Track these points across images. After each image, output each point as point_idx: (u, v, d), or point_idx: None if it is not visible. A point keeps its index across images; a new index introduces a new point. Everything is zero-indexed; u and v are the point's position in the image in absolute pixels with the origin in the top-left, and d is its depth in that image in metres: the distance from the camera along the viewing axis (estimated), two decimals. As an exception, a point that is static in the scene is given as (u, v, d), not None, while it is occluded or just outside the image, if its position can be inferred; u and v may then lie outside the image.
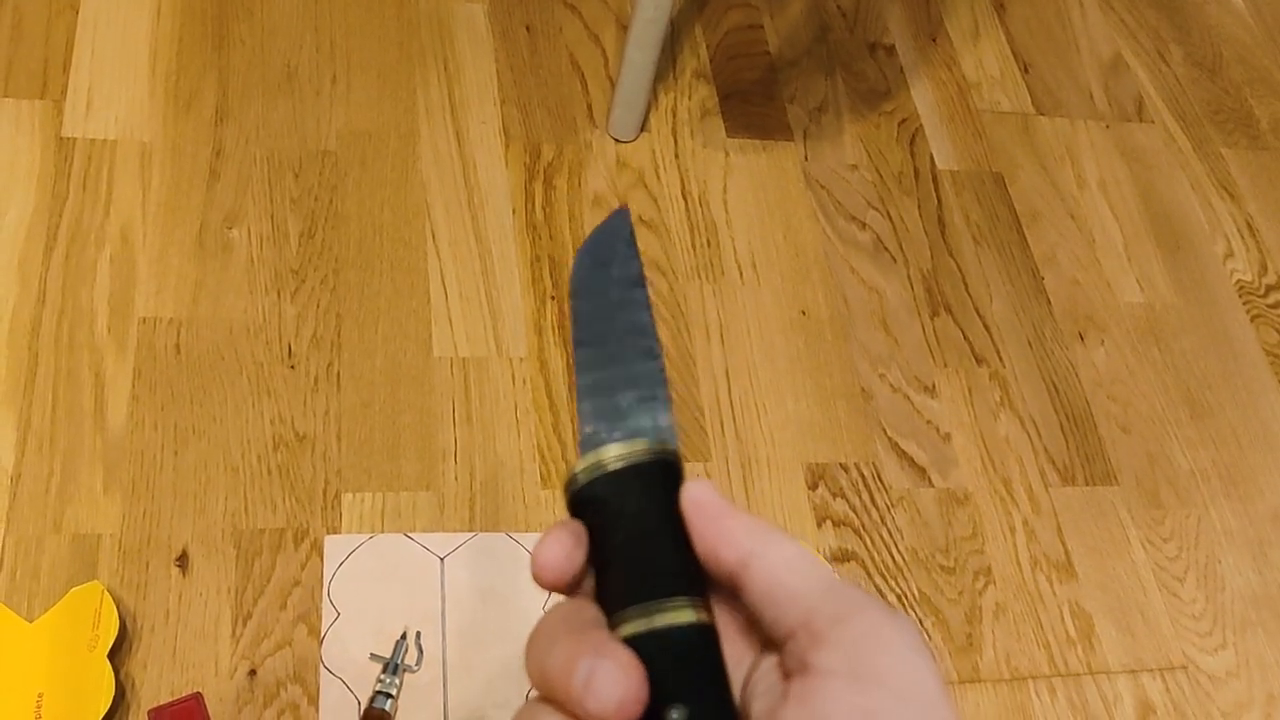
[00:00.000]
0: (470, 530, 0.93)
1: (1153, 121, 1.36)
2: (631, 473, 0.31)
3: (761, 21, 1.32)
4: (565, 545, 0.30)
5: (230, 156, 1.08)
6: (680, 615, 0.29)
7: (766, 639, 0.30)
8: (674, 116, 1.21)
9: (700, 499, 0.31)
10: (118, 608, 0.83)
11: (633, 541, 0.30)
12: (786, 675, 0.28)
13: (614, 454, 0.31)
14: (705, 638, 0.29)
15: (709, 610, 0.30)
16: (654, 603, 0.29)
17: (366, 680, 0.84)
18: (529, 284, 1.07)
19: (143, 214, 1.03)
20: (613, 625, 0.29)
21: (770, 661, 0.29)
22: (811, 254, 1.15)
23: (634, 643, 0.28)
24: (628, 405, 0.33)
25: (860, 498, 1.02)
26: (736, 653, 0.31)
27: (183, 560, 0.88)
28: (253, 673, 0.84)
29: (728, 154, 1.20)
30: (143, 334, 0.97)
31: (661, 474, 0.32)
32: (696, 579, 0.30)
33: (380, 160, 1.11)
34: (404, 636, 0.86)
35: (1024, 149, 1.29)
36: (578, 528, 0.31)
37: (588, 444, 0.33)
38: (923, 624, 0.97)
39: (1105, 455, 1.10)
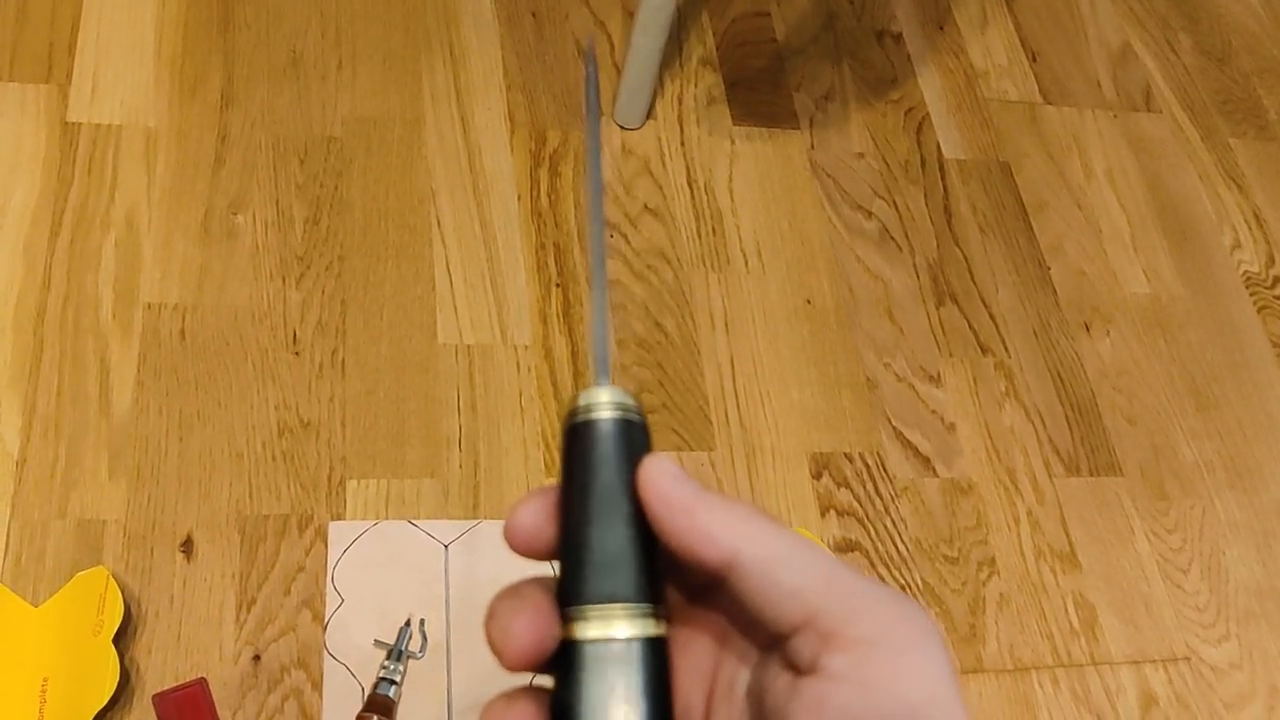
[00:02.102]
0: (474, 518, 0.93)
1: (1161, 111, 1.35)
2: (622, 429, 0.29)
3: (768, 8, 1.31)
4: (540, 513, 0.29)
5: (235, 142, 1.07)
6: (642, 626, 0.27)
7: (755, 626, 0.29)
8: (680, 104, 1.21)
9: (665, 490, 0.28)
10: (122, 593, 0.83)
11: (601, 519, 0.28)
12: (793, 668, 0.27)
13: (613, 399, 0.29)
14: (660, 653, 0.28)
15: (667, 614, 0.29)
16: (616, 606, 0.27)
17: (370, 666, 0.84)
18: (534, 271, 1.07)
19: (148, 199, 1.03)
20: (567, 617, 0.28)
21: (764, 652, 0.29)
22: (817, 242, 1.15)
23: (588, 649, 0.27)
24: None
25: (864, 487, 1.02)
26: (711, 645, 0.30)
27: (187, 546, 0.88)
28: (257, 658, 0.84)
29: (734, 142, 1.20)
30: (148, 319, 0.97)
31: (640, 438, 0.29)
32: (660, 575, 0.29)
33: (385, 146, 1.11)
34: (408, 623, 0.86)
35: (1031, 138, 1.29)
36: (553, 491, 0.30)
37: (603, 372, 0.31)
38: (926, 614, 0.97)
39: (1110, 446, 1.10)
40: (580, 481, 0.29)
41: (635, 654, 0.27)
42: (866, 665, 0.25)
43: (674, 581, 0.31)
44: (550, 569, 0.30)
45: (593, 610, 0.27)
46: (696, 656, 0.30)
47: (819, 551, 0.27)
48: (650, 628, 0.27)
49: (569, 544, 0.28)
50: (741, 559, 0.27)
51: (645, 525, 0.28)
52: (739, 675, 0.30)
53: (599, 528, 0.28)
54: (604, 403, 0.29)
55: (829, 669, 0.26)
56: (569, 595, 0.28)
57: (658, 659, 0.27)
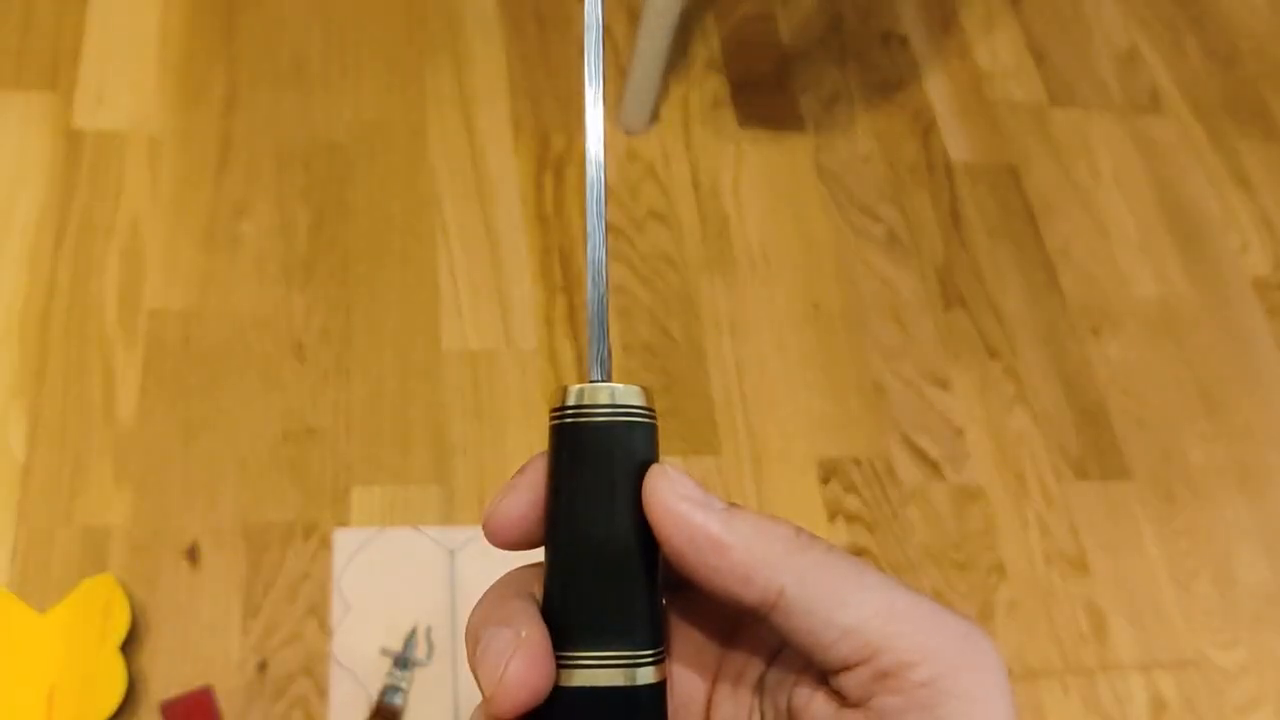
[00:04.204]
0: (480, 524, 0.92)
1: (1168, 113, 1.34)
2: (621, 434, 0.25)
3: (773, 11, 1.31)
4: (523, 506, 0.26)
5: (239, 148, 1.07)
6: (640, 675, 0.25)
7: (785, 648, 0.27)
8: (685, 107, 1.21)
9: (684, 520, 0.24)
10: (128, 600, 0.83)
11: (597, 552, 0.25)
12: (837, 695, 0.25)
13: (640, 402, 0.26)
14: (659, 700, 0.26)
15: (667, 651, 0.26)
16: (613, 655, 0.25)
17: (377, 674, 0.84)
18: (539, 276, 1.06)
19: (152, 206, 1.02)
20: (560, 660, 0.25)
21: (806, 676, 0.26)
22: (824, 246, 1.15)
23: (582, 698, 0.25)
24: None
25: (873, 493, 1.01)
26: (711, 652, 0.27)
27: (193, 553, 0.87)
28: (263, 666, 0.84)
29: (739, 145, 1.19)
30: (152, 326, 0.96)
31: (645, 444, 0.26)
32: (661, 610, 0.26)
33: (389, 151, 1.11)
34: (414, 631, 0.86)
35: (1038, 141, 1.28)
36: (537, 480, 0.26)
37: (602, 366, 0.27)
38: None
39: (1119, 450, 1.09)
40: (570, 497, 0.25)
41: (633, 703, 0.25)
42: (925, 713, 0.23)
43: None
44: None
45: (588, 658, 0.25)
46: (698, 643, 0.28)
47: (871, 576, 0.24)
48: (649, 675, 0.25)
49: (559, 578, 0.26)
50: (787, 598, 0.24)
51: (649, 555, 0.25)
52: (750, 666, 0.27)
53: (594, 562, 0.25)
54: (601, 405, 0.26)
55: (884, 710, 0.23)
56: (562, 638, 0.25)
57: (656, 708, 0.26)
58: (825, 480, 1.01)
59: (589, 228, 0.27)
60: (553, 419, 0.26)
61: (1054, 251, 1.20)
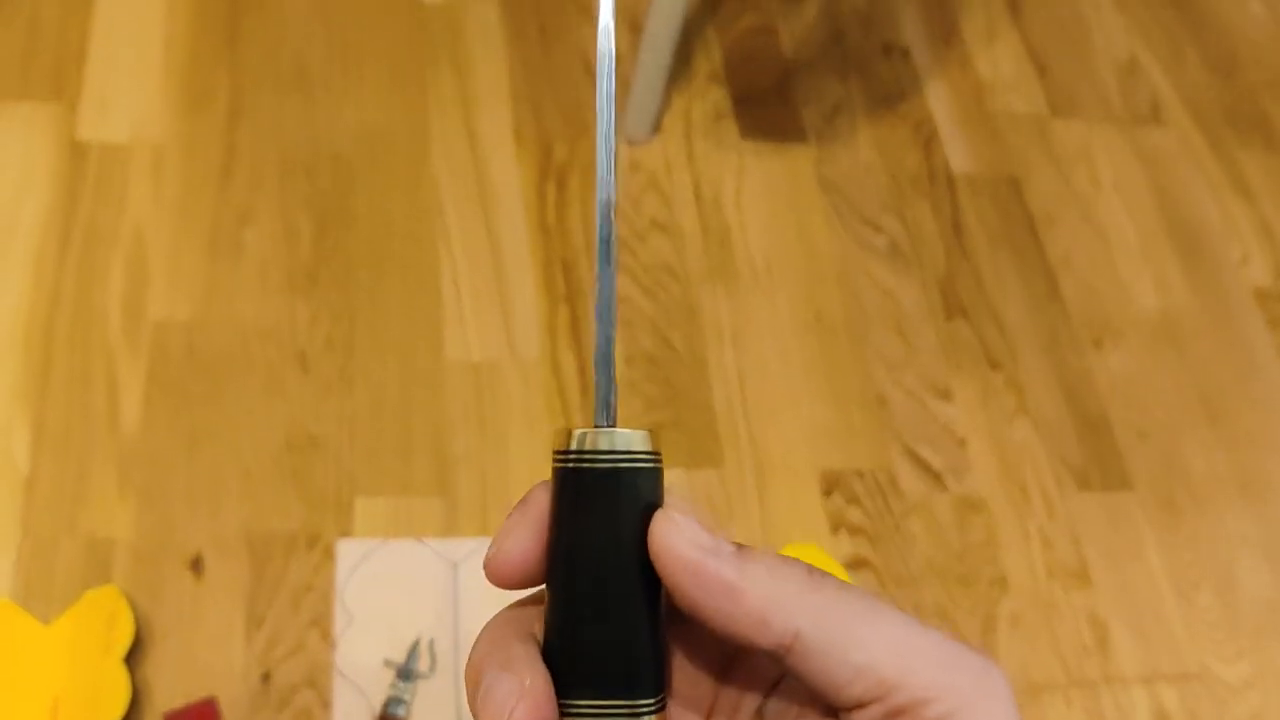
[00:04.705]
0: (483, 535, 0.92)
1: (1169, 124, 1.35)
2: (628, 481, 0.25)
3: (775, 24, 1.31)
4: (525, 542, 0.26)
5: (242, 157, 1.08)
6: None
7: (781, 676, 0.27)
8: (687, 119, 1.21)
9: (695, 566, 0.24)
10: (132, 611, 0.83)
11: (600, 599, 0.25)
12: None
13: (645, 446, 0.25)
14: None
15: (669, 697, 0.26)
16: (616, 705, 0.25)
17: (380, 685, 0.84)
18: (541, 285, 1.07)
19: (156, 215, 1.03)
20: (565, 705, 0.25)
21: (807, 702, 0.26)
22: (826, 257, 1.15)
23: None
24: None
25: (875, 505, 1.01)
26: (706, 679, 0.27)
27: (196, 564, 0.87)
28: (266, 677, 0.84)
29: (741, 156, 1.19)
30: (156, 336, 0.97)
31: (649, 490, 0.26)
32: (665, 657, 0.26)
33: (392, 160, 1.11)
34: (417, 642, 0.86)
35: (1039, 151, 1.28)
36: (539, 516, 0.26)
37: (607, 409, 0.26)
38: (937, 631, 0.97)
39: (1121, 460, 1.09)
40: (572, 543, 0.25)
41: None
42: None
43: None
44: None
45: (590, 707, 0.25)
46: (693, 677, 0.28)
47: (884, 612, 0.24)
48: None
49: (562, 624, 0.25)
50: (803, 640, 0.23)
51: (653, 601, 0.25)
52: (746, 699, 0.27)
53: (598, 610, 0.25)
54: (604, 451, 0.25)
55: None
56: (563, 684, 0.25)
57: None
58: (828, 492, 1.01)
59: (598, 269, 0.27)
60: (556, 462, 0.26)
61: (1055, 262, 1.20)
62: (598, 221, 0.27)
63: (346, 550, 0.89)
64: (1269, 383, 1.18)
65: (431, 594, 0.88)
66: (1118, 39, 1.41)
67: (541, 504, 0.26)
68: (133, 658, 0.82)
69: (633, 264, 1.10)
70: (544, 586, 0.26)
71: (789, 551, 0.96)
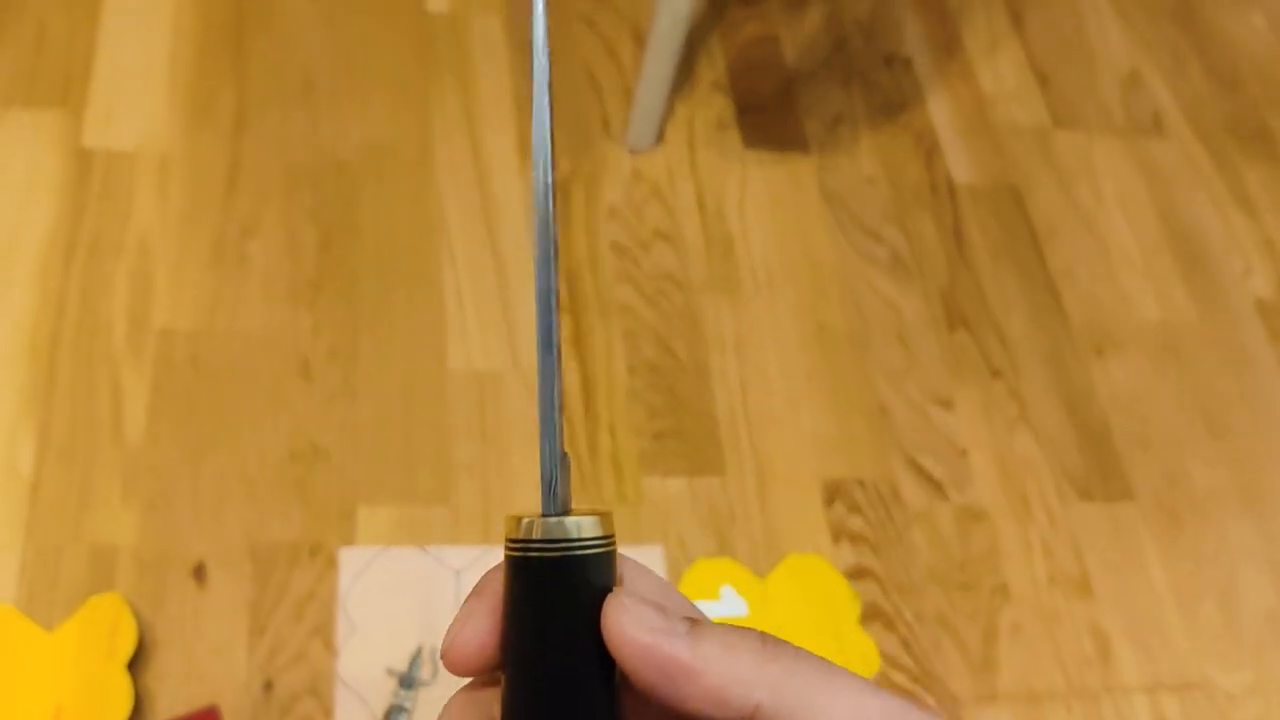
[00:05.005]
0: (485, 544, 0.93)
1: (1171, 136, 1.35)
2: (576, 568, 0.25)
3: (778, 34, 1.32)
4: (483, 631, 0.26)
5: (248, 168, 1.08)
6: None
7: None
8: (690, 129, 1.21)
9: (648, 650, 0.24)
10: (135, 619, 0.83)
11: (553, 694, 0.25)
12: None
13: (594, 532, 0.25)
14: None
15: None
16: None
17: (382, 694, 0.84)
18: (545, 296, 1.07)
19: (161, 225, 1.03)
20: None
21: None
22: (828, 267, 1.15)
23: None
24: None
25: (877, 514, 1.02)
26: None
27: (199, 572, 0.88)
28: (269, 686, 0.84)
29: (744, 166, 1.20)
30: (160, 346, 0.97)
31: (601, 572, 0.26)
32: None
33: (397, 172, 1.11)
34: (419, 651, 0.86)
35: (1041, 163, 1.29)
36: (494, 604, 0.26)
37: (557, 483, 0.26)
38: (939, 643, 0.97)
39: (1123, 472, 1.09)
40: (524, 631, 0.25)
41: None
42: None
43: None
44: None
45: None
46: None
47: (840, 678, 0.24)
48: None
49: (518, 709, 0.25)
50: (763, 712, 0.23)
51: (609, 683, 0.25)
52: None
53: (552, 696, 0.25)
54: (555, 540, 0.25)
55: None
56: None
57: None
58: (830, 501, 1.01)
59: (538, 356, 0.27)
60: (507, 550, 0.26)
61: (1057, 273, 1.21)
62: (537, 310, 0.27)
63: (349, 559, 0.90)
64: (1270, 395, 1.18)
65: (434, 603, 0.89)
66: (1120, 51, 1.41)
67: (496, 591, 0.26)
68: (135, 665, 0.83)
69: (636, 273, 1.10)
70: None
71: (791, 562, 0.96)
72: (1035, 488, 1.06)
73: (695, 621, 0.25)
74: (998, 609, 0.99)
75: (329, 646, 0.86)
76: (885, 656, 0.95)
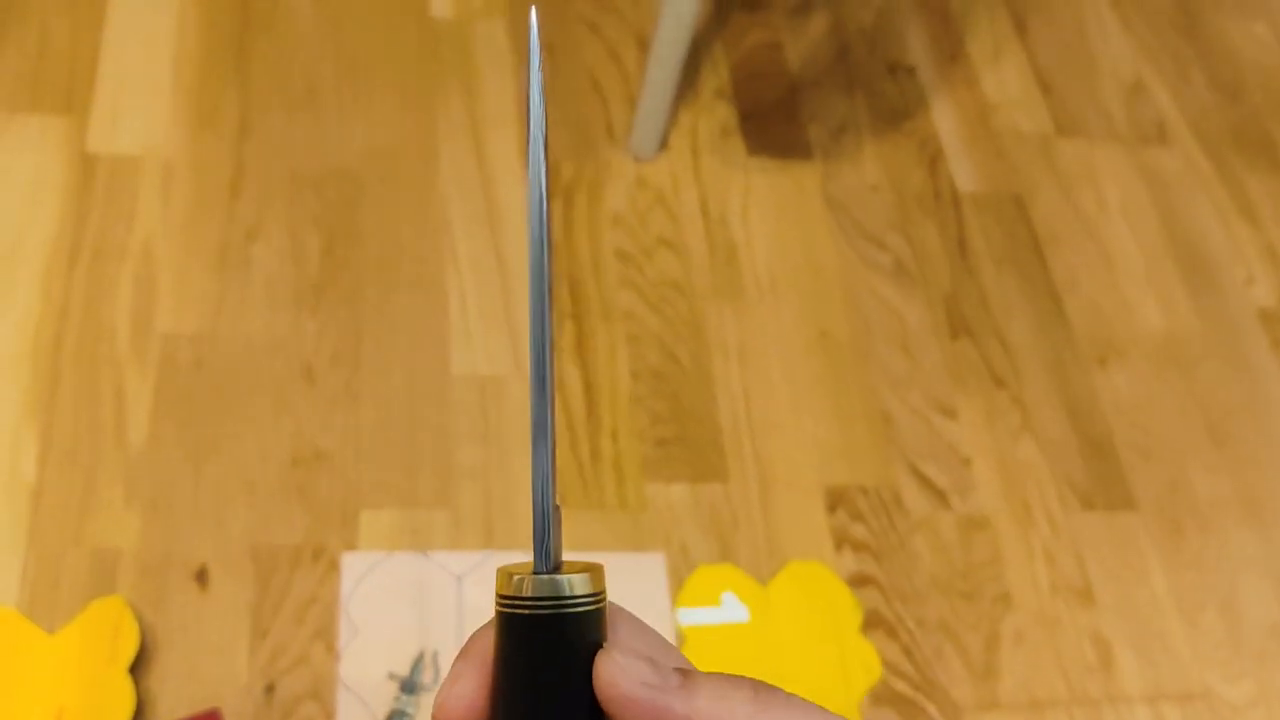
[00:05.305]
0: (488, 549, 0.93)
1: (1174, 145, 1.35)
2: (569, 625, 0.25)
3: (782, 41, 1.32)
4: (471, 690, 0.26)
5: (252, 173, 1.08)
6: None
7: None
8: (694, 135, 1.22)
9: (644, 705, 0.24)
10: (137, 622, 0.83)
11: None
12: None
13: (585, 589, 0.25)
14: None
15: None
16: None
17: (384, 698, 0.84)
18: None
19: (165, 230, 1.03)
20: None
21: None
22: (831, 275, 1.15)
23: None
24: None
25: (880, 522, 1.02)
26: None
27: (202, 576, 0.88)
28: (270, 689, 0.84)
29: (748, 173, 1.20)
30: (164, 350, 0.97)
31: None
32: None
33: (400, 177, 1.11)
34: (421, 655, 0.86)
35: (1044, 171, 1.29)
36: (484, 660, 0.26)
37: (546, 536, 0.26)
38: (941, 651, 0.97)
39: (1125, 481, 1.09)
40: (514, 688, 0.25)
41: None
42: None
43: None
44: None
45: None
46: None
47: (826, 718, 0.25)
48: None
49: None
50: None
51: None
52: None
53: None
54: (546, 598, 0.25)
55: None
56: None
57: None
58: (832, 509, 1.01)
59: (532, 398, 0.26)
60: (498, 605, 0.26)
61: (1060, 282, 1.21)
62: (530, 355, 0.27)
63: (351, 563, 0.90)
64: (1273, 404, 1.18)
65: (436, 607, 0.89)
66: (1123, 59, 1.41)
67: (484, 650, 0.26)
68: (137, 668, 0.82)
69: (639, 279, 1.10)
70: None
71: (794, 569, 0.96)
72: (1037, 496, 1.06)
73: (687, 673, 0.25)
74: (1000, 617, 0.99)
75: (331, 650, 0.86)
76: (887, 664, 0.95)
